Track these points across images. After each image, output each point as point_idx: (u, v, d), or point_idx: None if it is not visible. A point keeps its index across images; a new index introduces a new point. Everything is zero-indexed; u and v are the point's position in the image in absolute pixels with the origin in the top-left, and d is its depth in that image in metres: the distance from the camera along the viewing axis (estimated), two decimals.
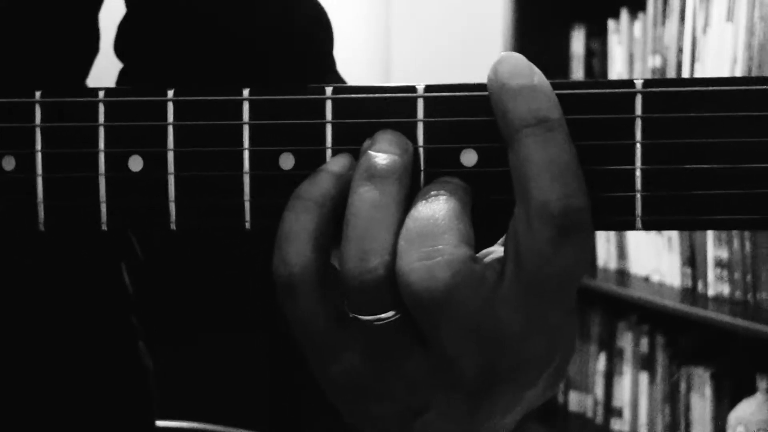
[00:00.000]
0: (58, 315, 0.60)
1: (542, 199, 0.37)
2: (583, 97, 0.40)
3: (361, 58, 2.62)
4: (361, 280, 0.38)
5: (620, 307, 2.19)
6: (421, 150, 0.41)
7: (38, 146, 0.43)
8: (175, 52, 0.63)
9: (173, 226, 0.43)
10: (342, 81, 0.64)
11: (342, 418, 0.46)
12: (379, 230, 0.38)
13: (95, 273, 0.63)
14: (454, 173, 0.41)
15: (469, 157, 0.41)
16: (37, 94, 0.43)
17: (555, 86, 0.39)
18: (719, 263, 1.95)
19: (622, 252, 2.21)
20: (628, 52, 2.15)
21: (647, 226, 0.40)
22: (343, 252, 0.39)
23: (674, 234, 2.06)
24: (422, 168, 0.41)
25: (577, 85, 0.40)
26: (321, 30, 0.65)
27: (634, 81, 0.40)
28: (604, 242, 2.25)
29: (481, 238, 0.40)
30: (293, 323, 0.41)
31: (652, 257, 2.13)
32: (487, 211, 0.41)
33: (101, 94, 0.43)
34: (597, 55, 2.26)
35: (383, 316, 0.39)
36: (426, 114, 0.41)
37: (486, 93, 0.40)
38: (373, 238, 0.38)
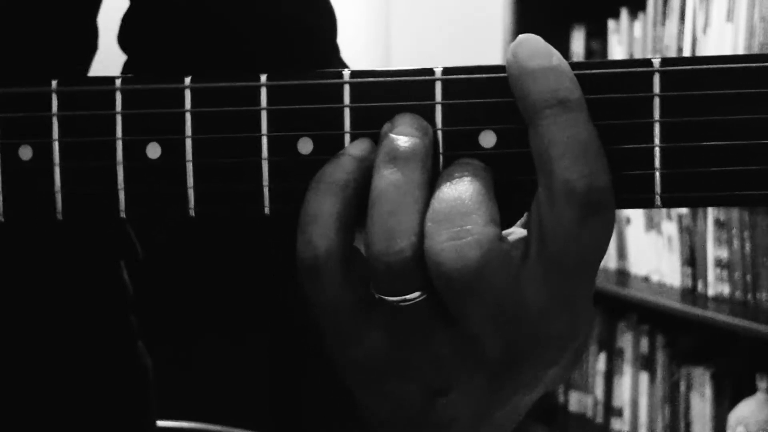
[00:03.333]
0: (57, 314, 0.60)
1: (565, 178, 0.38)
2: (602, 77, 0.40)
3: (361, 58, 2.62)
4: (387, 261, 0.38)
5: (620, 307, 2.19)
6: (439, 132, 0.41)
7: (55, 135, 0.43)
8: (177, 44, 0.63)
9: (192, 213, 0.43)
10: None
11: (342, 418, 0.45)
12: (405, 212, 0.39)
13: (95, 272, 0.63)
14: (473, 155, 0.41)
15: (488, 139, 0.41)
16: (54, 83, 0.43)
17: (573, 67, 0.40)
18: (719, 263, 1.95)
19: (622, 252, 2.21)
20: (628, 52, 2.15)
21: (666, 204, 0.40)
22: (369, 234, 0.39)
23: (674, 234, 2.06)
24: (441, 151, 0.41)
25: (596, 65, 0.40)
26: (323, 19, 0.65)
27: (652, 60, 0.40)
28: None
29: (500, 220, 0.40)
30: (316, 307, 0.41)
31: (652, 257, 2.13)
32: (506, 191, 0.41)
33: (118, 82, 0.43)
34: (597, 55, 2.26)
35: (409, 297, 0.39)
36: (444, 96, 0.41)
37: (503, 74, 0.40)
38: (399, 220, 0.39)
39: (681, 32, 2.01)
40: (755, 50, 1.81)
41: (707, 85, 0.40)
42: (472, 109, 0.41)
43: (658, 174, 0.40)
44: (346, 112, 0.42)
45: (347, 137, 0.42)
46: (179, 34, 0.63)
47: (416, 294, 0.39)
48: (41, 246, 0.58)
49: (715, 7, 1.92)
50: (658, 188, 0.40)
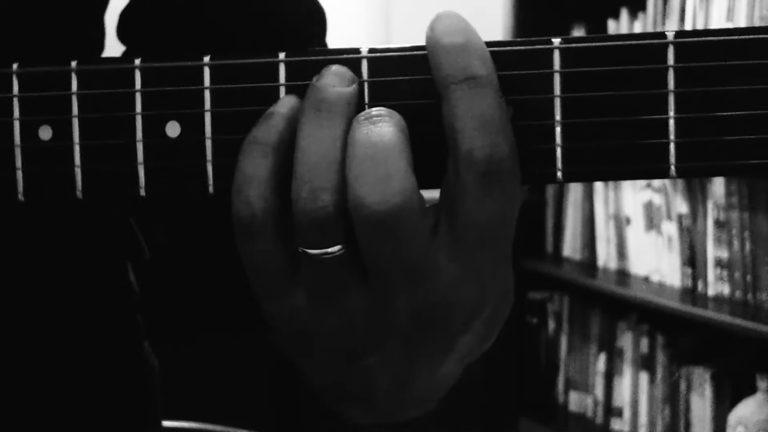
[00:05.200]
0: (64, 313, 0.60)
1: (467, 148, 0.39)
2: (618, 50, 0.41)
3: None
4: (311, 217, 0.40)
5: (620, 307, 2.19)
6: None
7: (75, 113, 0.43)
8: (169, 43, 0.64)
9: (211, 189, 0.43)
10: None
11: (343, 419, 0.46)
12: (328, 166, 0.40)
13: (101, 272, 0.63)
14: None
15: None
16: (73, 63, 0.44)
17: (593, 39, 0.41)
18: (719, 263, 1.96)
19: (622, 252, 2.21)
20: None
21: (681, 174, 0.41)
22: (293, 190, 0.40)
23: (674, 234, 2.06)
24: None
25: (612, 38, 0.41)
26: (311, 17, 0.65)
27: (666, 33, 0.41)
28: (605, 242, 2.25)
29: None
30: (248, 265, 0.42)
31: (652, 257, 2.13)
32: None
33: (137, 61, 0.43)
34: None
35: (330, 249, 0.40)
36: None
37: (519, 48, 0.41)
38: (322, 176, 0.40)
39: None
40: None
41: (720, 56, 0.40)
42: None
43: (672, 144, 0.41)
44: (366, 87, 0.42)
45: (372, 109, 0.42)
46: (171, 33, 0.63)
47: (337, 247, 0.40)
48: (49, 246, 0.58)
49: (715, 7, 1.92)
50: (672, 158, 0.41)
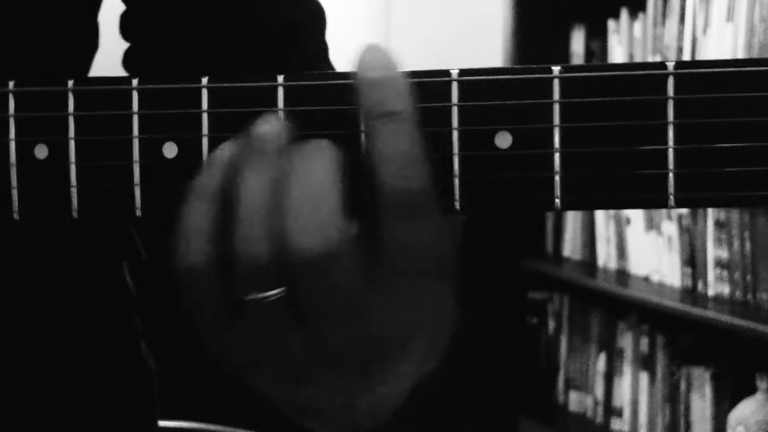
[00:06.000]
0: (61, 315, 0.60)
1: (384, 182, 0.40)
2: (618, 80, 0.41)
3: None
4: (251, 264, 0.41)
5: (620, 307, 2.19)
6: (455, 133, 0.42)
7: (71, 134, 0.43)
8: (165, 44, 0.64)
9: None
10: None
11: None
12: (265, 214, 0.40)
13: (98, 273, 0.63)
14: (490, 156, 0.42)
15: (503, 139, 0.42)
16: (70, 83, 0.44)
17: (593, 69, 0.41)
18: (719, 263, 1.95)
19: (622, 252, 2.21)
20: (628, 52, 2.15)
21: (680, 204, 0.41)
22: (234, 237, 0.41)
23: (674, 234, 2.06)
24: (456, 152, 0.42)
25: (612, 67, 0.42)
26: (309, 17, 0.65)
27: (666, 63, 0.41)
28: (605, 242, 2.25)
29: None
30: (188, 304, 0.43)
31: (652, 257, 2.13)
32: (522, 190, 0.42)
33: (135, 82, 0.43)
34: (597, 55, 2.26)
35: (269, 293, 0.41)
36: (460, 98, 0.42)
37: (518, 75, 0.42)
38: (260, 224, 0.40)
39: (681, 32, 2.01)
40: (755, 50, 1.81)
41: (720, 87, 0.40)
42: (488, 111, 0.42)
43: (671, 174, 0.41)
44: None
45: (363, 137, 0.42)
46: (164, 36, 0.63)
47: (276, 291, 0.41)
48: (46, 248, 0.58)
49: (715, 7, 1.92)
50: (671, 188, 0.41)
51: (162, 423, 0.69)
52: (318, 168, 0.41)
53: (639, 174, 0.41)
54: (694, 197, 0.41)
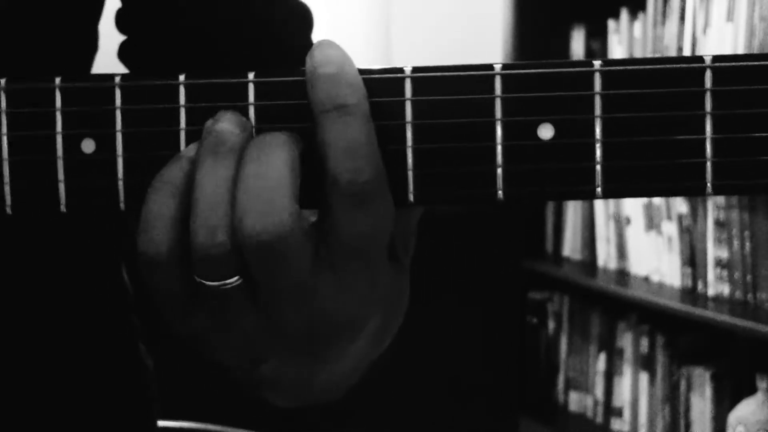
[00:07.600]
0: (59, 315, 0.60)
1: (333, 173, 0.42)
2: (657, 73, 0.43)
3: (360, 59, 2.61)
4: (209, 253, 0.42)
5: (620, 307, 2.19)
6: (499, 124, 0.43)
7: (119, 127, 0.45)
8: (155, 38, 0.64)
9: None
10: None
11: (343, 418, 0.47)
12: (223, 205, 0.42)
13: (95, 272, 0.63)
14: (533, 146, 0.43)
15: (546, 131, 0.43)
16: (117, 78, 0.45)
17: (632, 62, 0.43)
18: (719, 263, 1.96)
19: (622, 252, 2.21)
20: (628, 52, 2.15)
21: (718, 191, 0.43)
22: (192, 228, 0.42)
23: (674, 234, 2.06)
24: (499, 142, 0.43)
25: (651, 61, 0.43)
26: (293, 18, 0.65)
27: (704, 57, 0.43)
28: (605, 242, 2.25)
29: None
30: (150, 291, 0.45)
31: (652, 257, 2.13)
32: (565, 181, 0.44)
33: (182, 77, 0.45)
34: (597, 55, 2.26)
35: (227, 282, 0.43)
36: (504, 90, 0.43)
37: (561, 69, 0.43)
38: (217, 215, 0.42)
39: (681, 32, 2.01)
40: (755, 50, 1.81)
41: (756, 80, 0.42)
42: (531, 103, 0.43)
43: (709, 163, 0.43)
44: (407, 105, 0.44)
45: (409, 127, 0.44)
46: (156, 35, 0.64)
47: (233, 279, 0.43)
48: (42, 247, 0.59)
49: (715, 7, 1.92)
50: (709, 177, 0.43)
51: (161, 423, 0.69)
52: (273, 157, 0.42)
53: (677, 163, 0.43)
54: (731, 185, 0.43)
